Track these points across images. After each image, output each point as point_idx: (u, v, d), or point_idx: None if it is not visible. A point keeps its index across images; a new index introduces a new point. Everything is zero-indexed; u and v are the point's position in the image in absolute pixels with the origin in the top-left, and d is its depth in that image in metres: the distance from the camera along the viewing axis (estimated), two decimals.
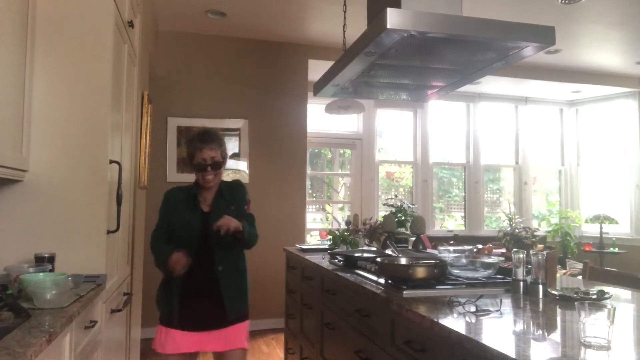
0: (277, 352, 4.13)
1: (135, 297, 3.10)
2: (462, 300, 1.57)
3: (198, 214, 2.18)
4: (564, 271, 4.58)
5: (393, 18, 1.84)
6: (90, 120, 2.04)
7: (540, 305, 1.61)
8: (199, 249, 2.12)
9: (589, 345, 1.13)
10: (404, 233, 3.11)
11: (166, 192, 2.29)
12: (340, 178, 6.46)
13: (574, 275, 3.85)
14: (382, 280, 1.95)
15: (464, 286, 1.82)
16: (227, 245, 2.15)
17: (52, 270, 1.78)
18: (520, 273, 1.78)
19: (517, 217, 5.46)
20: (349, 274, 2.24)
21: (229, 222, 2.04)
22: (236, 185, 2.34)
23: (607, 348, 1.12)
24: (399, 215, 3.16)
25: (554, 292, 1.72)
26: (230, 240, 2.11)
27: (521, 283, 1.77)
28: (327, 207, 6.42)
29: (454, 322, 1.37)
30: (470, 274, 1.92)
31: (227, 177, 4.80)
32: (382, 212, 5.52)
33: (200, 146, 2.15)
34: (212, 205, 2.22)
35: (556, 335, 1.32)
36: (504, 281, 1.86)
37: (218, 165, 2.18)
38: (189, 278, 2.11)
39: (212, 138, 2.19)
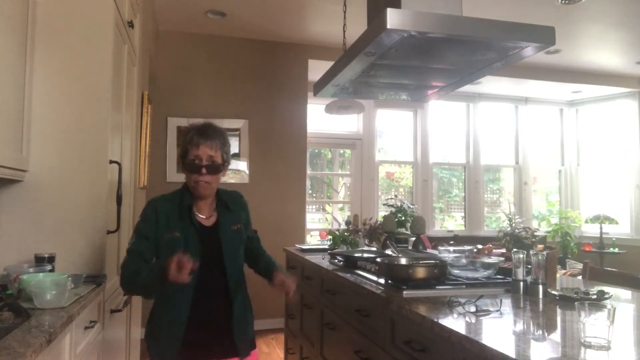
0: (277, 352, 4.13)
1: (135, 297, 3.10)
2: (462, 300, 1.57)
3: (195, 229, 1.74)
4: (564, 271, 4.58)
5: (393, 18, 1.84)
6: (90, 120, 2.04)
7: (540, 305, 1.61)
8: (201, 276, 1.68)
9: (589, 345, 1.13)
10: (404, 233, 3.11)
11: (150, 201, 1.79)
12: (340, 178, 6.46)
13: (574, 275, 3.85)
14: (382, 280, 1.95)
15: (464, 286, 1.82)
16: (237, 266, 1.81)
17: (52, 270, 1.78)
18: (520, 273, 1.78)
19: (517, 217, 5.46)
20: (349, 274, 2.24)
21: (292, 283, 1.80)
22: (238, 195, 1.93)
23: (607, 348, 1.12)
24: (399, 215, 3.16)
25: (554, 292, 1.72)
26: (238, 260, 1.83)
27: (521, 283, 1.77)
28: (327, 207, 6.42)
29: (454, 322, 1.37)
30: (470, 274, 1.92)
31: (227, 177, 4.80)
32: (382, 212, 5.52)
33: (196, 141, 1.71)
34: (219, 216, 1.80)
35: (556, 335, 1.32)
36: (504, 281, 1.86)
37: (216, 169, 1.72)
38: (195, 310, 1.70)
39: (215, 133, 1.75)
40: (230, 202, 1.84)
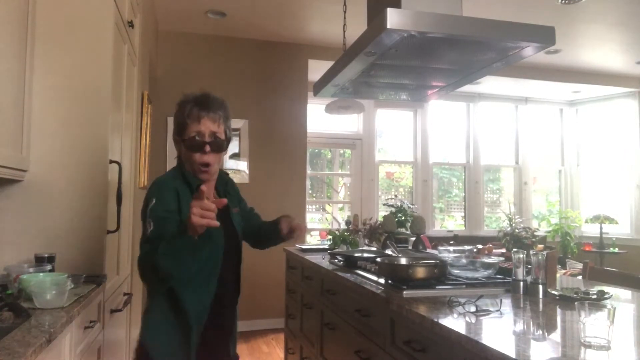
0: (277, 352, 4.13)
1: (135, 297, 3.10)
2: (462, 300, 1.57)
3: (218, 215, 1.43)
4: (564, 271, 4.58)
5: (393, 18, 1.84)
6: (90, 120, 2.04)
7: (540, 305, 1.61)
8: (224, 267, 1.54)
9: (589, 345, 1.13)
10: (404, 233, 3.11)
11: (164, 180, 1.52)
12: (340, 178, 6.46)
13: (574, 275, 3.85)
14: (382, 280, 1.95)
15: (464, 286, 1.82)
16: (240, 253, 1.70)
17: (52, 270, 1.78)
18: (520, 273, 1.78)
19: (517, 217, 5.46)
20: (349, 274, 2.24)
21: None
22: (227, 176, 1.74)
23: (607, 348, 1.12)
24: (399, 215, 3.16)
25: (554, 292, 1.72)
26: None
27: (521, 283, 1.77)
28: (327, 207, 6.42)
29: (454, 322, 1.37)
30: (470, 274, 1.92)
31: None
32: (382, 212, 5.52)
33: (197, 113, 1.48)
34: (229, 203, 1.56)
35: (556, 335, 1.32)
36: (504, 281, 1.86)
37: (220, 146, 1.52)
38: (212, 307, 1.51)
39: (216, 105, 1.52)
40: (228, 183, 1.71)
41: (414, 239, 2.96)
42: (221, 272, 1.53)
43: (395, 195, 6.04)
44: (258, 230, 1.84)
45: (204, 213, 1.19)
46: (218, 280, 1.52)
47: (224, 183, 1.68)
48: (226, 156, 4.46)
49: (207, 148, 1.47)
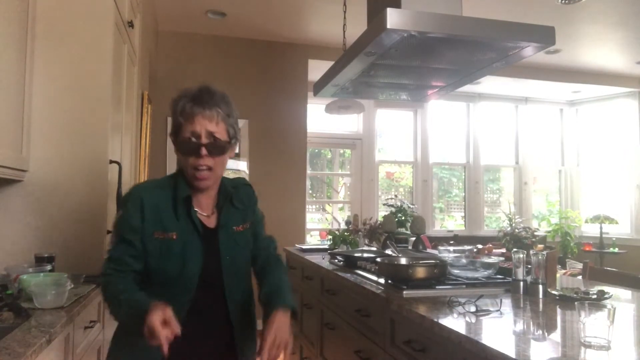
0: None
1: None
2: (462, 300, 1.57)
3: (196, 230, 1.31)
4: (564, 271, 4.57)
5: (393, 18, 1.84)
6: (90, 120, 2.05)
7: (540, 305, 1.61)
8: (199, 295, 1.28)
9: (589, 345, 1.13)
10: (404, 233, 3.12)
11: (134, 190, 1.34)
12: (340, 178, 6.46)
13: (574, 275, 3.85)
14: (382, 280, 1.95)
15: (464, 286, 1.82)
16: (241, 282, 1.39)
17: (52, 270, 1.78)
18: (520, 273, 1.78)
19: (517, 217, 5.46)
20: (349, 274, 2.24)
21: (286, 342, 1.23)
22: (244, 185, 1.49)
23: (607, 348, 1.12)
24: (399, 215, 3.16)
25: (554, 292, 1.72)
26: (244, 274, 1.41)
27: (521, 283, 1.77)
28: (327, 207, 6.42)
29: (454, 322, 1.37)
30: (470, 274, 1.92)
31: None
32: (382, 212, 5.51)
33: (190, 111, 1.28)
34: (221, 217, 1.37)
35: (556, 335, 1.32)
36: (504, 281, 1.86)
37: (220, 149, 1.31)
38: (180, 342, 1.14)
39: (214, 100, 1.34)
40: (236, 195, 1.41)
41: (414, 239, 2.96)
42: (194, 301, 1.28)
43: (395, 195, 6.04)
44: (261, 273, 1.47)
45: (152, 337, 1.06)
46: (189, 311, 1.27)
47: (228, 194, 1.39)
48: None
49: (203, 151, 1.26)
